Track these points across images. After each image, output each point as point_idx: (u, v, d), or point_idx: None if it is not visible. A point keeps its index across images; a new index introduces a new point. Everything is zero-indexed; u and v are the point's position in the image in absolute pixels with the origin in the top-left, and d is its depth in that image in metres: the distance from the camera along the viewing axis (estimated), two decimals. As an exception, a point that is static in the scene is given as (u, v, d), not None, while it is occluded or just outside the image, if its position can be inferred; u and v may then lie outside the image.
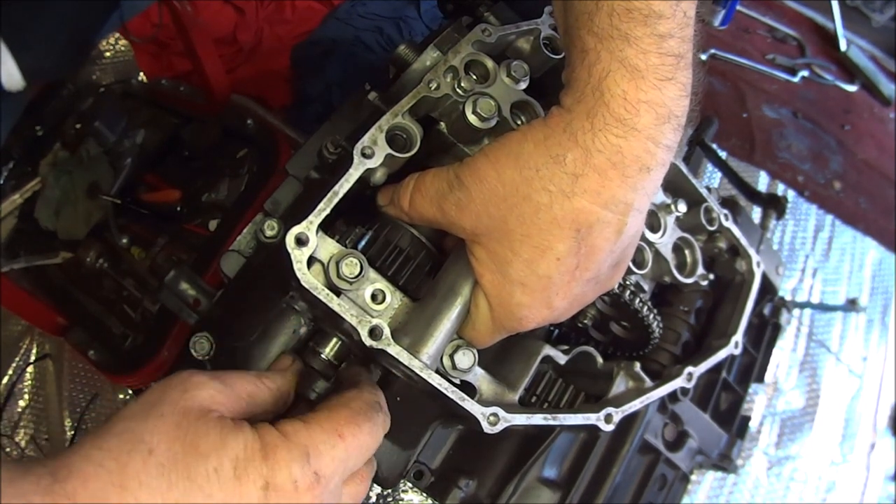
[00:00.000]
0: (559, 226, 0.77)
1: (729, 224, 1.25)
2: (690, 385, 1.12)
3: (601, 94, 0.74)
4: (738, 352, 1.21)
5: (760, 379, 1.53)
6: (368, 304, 0.87)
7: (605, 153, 0.75)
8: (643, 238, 1.11)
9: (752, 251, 1.28)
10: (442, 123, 0.96)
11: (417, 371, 0.85)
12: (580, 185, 0.75)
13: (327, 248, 0.87)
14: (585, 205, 0.76)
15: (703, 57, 2.49)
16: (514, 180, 0.78)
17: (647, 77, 0.73)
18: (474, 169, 0.81)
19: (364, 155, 0.88)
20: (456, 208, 0.82)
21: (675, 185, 1.21)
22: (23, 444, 1.70)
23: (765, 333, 1.55)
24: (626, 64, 0.72)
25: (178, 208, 1.69)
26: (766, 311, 1.55)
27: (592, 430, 1.00)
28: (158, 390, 0.67)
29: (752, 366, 1.51)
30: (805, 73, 2.67)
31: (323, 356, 0.91)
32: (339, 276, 0.85)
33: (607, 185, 0.76)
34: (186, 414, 0.64)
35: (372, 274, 0.88)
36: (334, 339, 0.92)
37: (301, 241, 0.84)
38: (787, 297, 2.22)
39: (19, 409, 1.73)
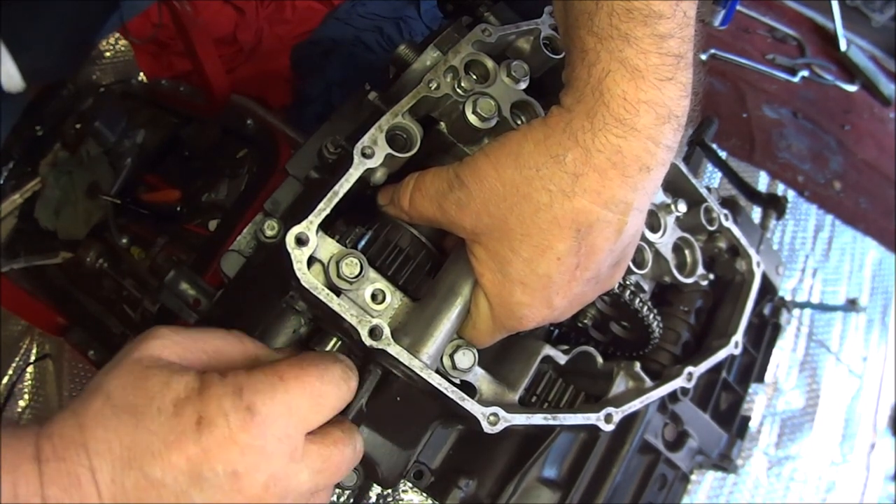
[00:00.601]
0: (559, 225, 0.77)
1: (729, 224, 1.25)
2: (690, 385, 1.12)
3: (601, 94, 0.74)
4: (738, 352, 1.21)
5: (760, 379, 1.52)
6: (368, 303, 0.87)
7: (605, 153, 0.75)
8: (643, 238, 1.11)
9: (752, 251, 1.28)
10: (442, 123, 0.96)
11: (417, 371, 0.85)
12: (580, 184, 0.76)
13: (327, 247, 0.87)
14: (585, 204, 0.76)
15: (703, 57, 2.50)
16: (514, 180, 0.78)
17: (647, 77, 0.73)
18: (474, 168, 0.81)
19: (364, 155, 0.88)
20: (456, 208, 0.82)
21: (675, 185, 1.21)
22: (23, 444, 1.70)
23: (765, 333, 1.55)
24: (626, 64, 0.73)
25: (178, 208, 1.69)
26: (766, 311, 1.55)
27: (592, 430, 1.00)
28: (126, 346, 0.73)
29: (752, 366, 1.51)
30: (805, 73, 2.67)
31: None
32: (339, 275, 0.85)
33: (607, 185, 0.76)
34: (139, 361, 0.70)
35: (372, 274, 0.88)
36: (333, 340, 0.92)
37: (301, 241, 0.84)
38: (787, 297, 2.22)
39: (19, 409, 1.73)
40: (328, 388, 0.74)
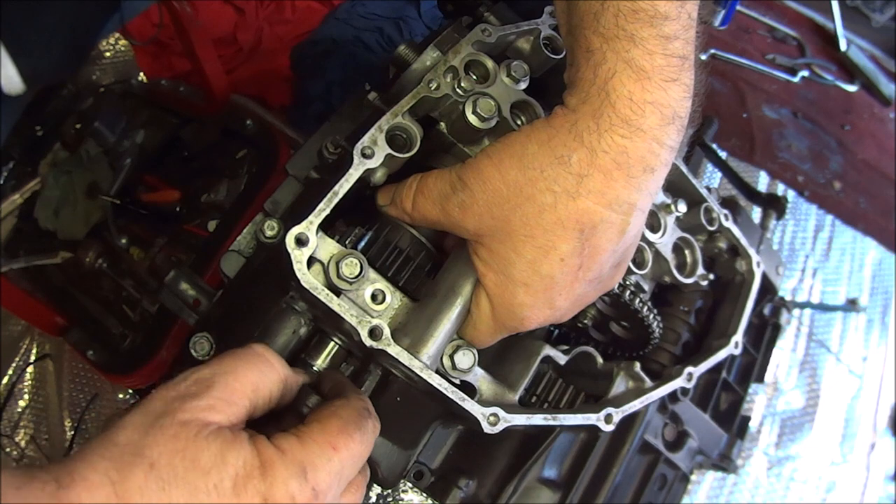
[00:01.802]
0: (563, 226, 0.77)
1: (729, 224, 1.25)
2: (690, 385, 1.12)
3: (607, 95, 0.74)
4: (738, 352, 1.21)
5: (760, 379, 1.52)
6: (368, 304, 0.87)
7: (610, 154, 0.75)
8: (643, 238, 1.11)
9: (752, 251, 1.28)
10: (442, 123, 0.96)
11: (417, 371, 0.85)
12: (585, 185, 0.75)
13: (327, 248, 0.87)
14: (590, 205, 0.76)
15: (704, 57, 2.49)
16: (518, 181, 0.78)
17: (653, 78, 0.73)
18: (477, 170, 0.81)
19: (364, 155, 0.88)
20: (459, 209, 0.82)
21: (675, 185, 1.21)
22: (23, 444, 1.70)
23: (765, 333, 1.55)
24: (632, 65, 0.73)
25: (178, 209, 1.69)
26: (766, 311, 1.55)
27: (592, 430, 1.00)
28: (159, 399, 0.67)
29: (752, 366, 1.51)
30: (805, 73, 2.67)
31: (315, 368, 0.90)
32: (339, 276, 0.85)
33: (612, 186, 0.76)
34: (185, 426, 0.64)
35: (372, 274, 0.88)
36: (326, 350, 0.91)
37: (301, 242, 0.84)
38: (787, 297, 2.22)
39: (19, 409, 1.73)
40: (366, 449, 0.74)
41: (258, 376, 0.72)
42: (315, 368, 0.91)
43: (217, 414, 0.66)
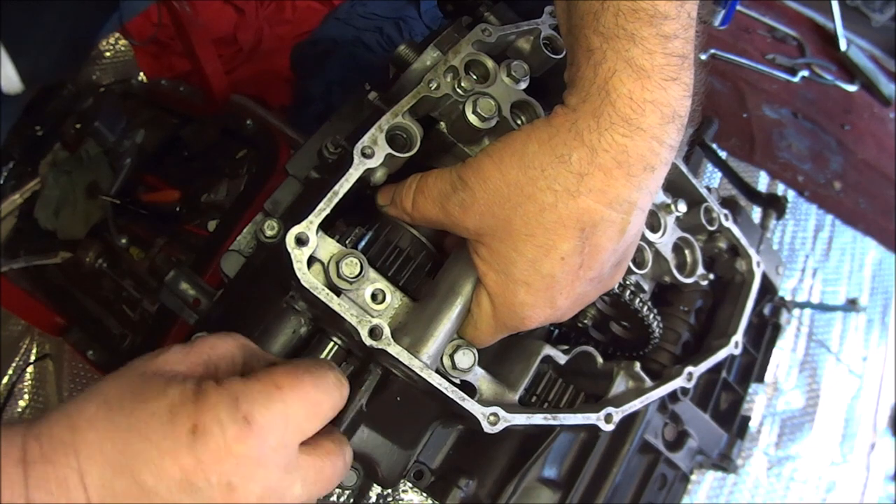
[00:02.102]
0: (564, 225, 0.77)
1: (729, 224, 1.25)
2: (690, 385, 1.12)
3: (607, 94, 0.74)
4: (738, 352, 1.21)
5: (760, 379, 1.52)
6: (368, 303, 0.87)
7: (610, 152, 0.75)
8: (643, 238, 1.11)
9: (752, 251, 1.28)
10: (442, 123, 0.96)
11: (417, 371, 0.85)
12: (585, 184, 0.76)
13: (327, 247, 0.87)
14: (590, 204, 0.76)
15: (703, 57, 2.49)
16: (519, 180, 0.78)
17: (653, 77, 0.73)
18: (477, 169, 0.81)
19: (364, 155, 0.88)
20: (459, 209, 0.82)
21: (675, 185, 1.21)
22: (22, 444, 1.69)
23: (765, 333, 1.55)
24: (632, 64, 0.73)
25: (178, 209, 1.69)
26: (766, 311, 1.55)
27: (592, 430, 1.00)
28: (125, 366, 0.71)
29: (752, 366, 1.51)
30: (805, 73, 2.67)
31: None
32: (339, 275, 0.85)
33: (612, 185, 0.76)
34: (143, 374, 0.68)
35: (372, 274, 0.88)
36: (325, 352, 0.91)
37: (301, 241, 0.84)
38: (787, 297, 2.22)
39: (19, 409, 1.73)
40: (323, 396, 0.71)
41: (215, 338, 0.75)
42: None
43: (171, 362, 0.70)
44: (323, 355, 0.92)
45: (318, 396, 0.70)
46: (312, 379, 0.70)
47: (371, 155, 0.88)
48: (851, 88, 2.74)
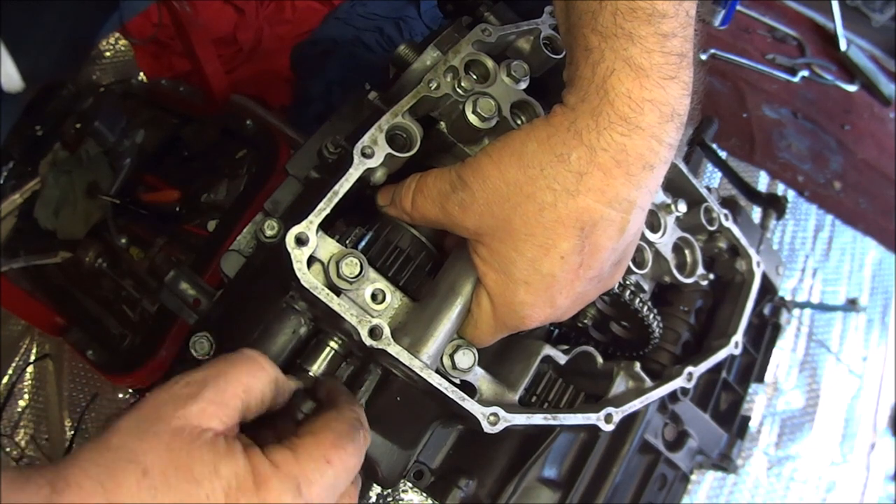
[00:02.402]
0: (563, 224, 0.77)
1: (729, 224, 1.25)
2: (690, 385, 1.12)
3: (606, 93, 0.74)
4: (738, 352, 1.21)
5: (760, 379, 1.52)
6: (368, 303, 0.87)
7: (609, 151, 0.75)
8: (643, 238, 1.11)
9: (752, 251, 1.28)
10: (442, 123, 0.96)
11: (417, 371, 0.85)
12: (585, 183, 0.76)
13: (327, 247, 0.87)
14: (590, 203, 0.76)
15: (703, 57, 2.49)
16: (518, 179, 0.78)
17: (652, 76, 0.73)
18: (477, 169, 0.81)
19: (364, 155, 0.88)
20: (459, 208, 0.82)
21: (675, 185, 1.21)
22: (23, 444, 1.70)
23: (765, 333, 1.55)
24: (630, 63, 0.73)
25: (178, 209, 1.69)
26: (766, 311, 1.55)
27: (592, 430, 1.00)
28: (152, 403, 0.66)
29: (752, 366, 1.51)
30: (805, 73, 2.67)
31: (311, 373, 0.90)
32: (339, 275, 0.85)
33: (612, 184, 0.76)
34: (179, 433, 0.64)
35: (372, 274, 0.88)
36: (322, 355, 0.91)
37: (301, 241, 0.84)
38: (787, 297, 2.22)
39: (19, 409, 1.73)
40: (358, 460, 0.74)
41: (249, 377, 0.72)
42: (311, 374, 0.90)
43: (210, 419, 0.66)
44: (319, 360, 0.91)
45: (356, 463, 0.73)
46: (354, 448, 0.73)
47: (371, 155, 0.88)
48: (851, 88, 2.74)
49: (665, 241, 1.15)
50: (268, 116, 1.74)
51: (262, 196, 1.36)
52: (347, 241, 0.91)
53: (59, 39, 0.98)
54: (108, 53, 2.11)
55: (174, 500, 0.60)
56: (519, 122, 0.95)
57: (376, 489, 1.66)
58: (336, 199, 0.86)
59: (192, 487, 0.61)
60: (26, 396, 1.74)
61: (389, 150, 0.89)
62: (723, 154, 2.30)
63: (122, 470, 0.60)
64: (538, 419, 0.94)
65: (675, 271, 1.17)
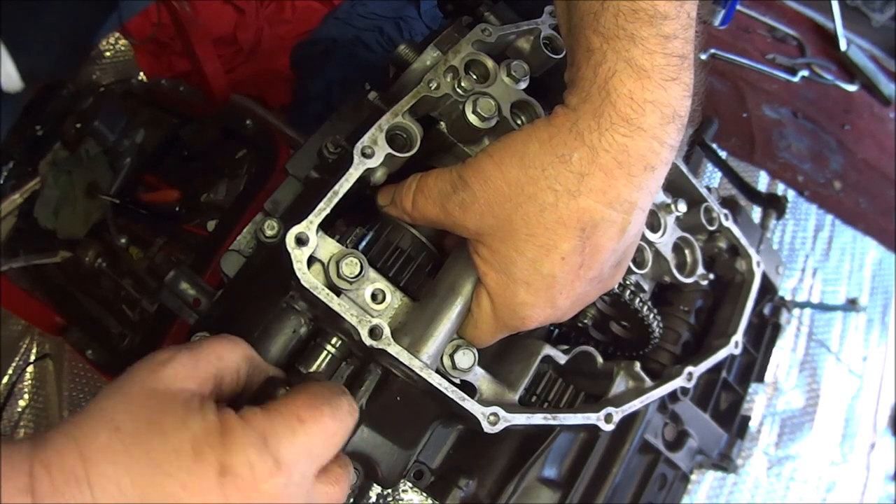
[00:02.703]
0: (564, 225, 0.77)
1: (729, 224, 1.25)
2: (690, 385, 1.12)
3: (607, 94, 0.74)
4: (738, 352, 1.21)
5: (760, 379, 1.52)
6: (368, 303, 0.87)
7: (611, 152, 0.75)
8: (643, 238, 1.11)
9: (752, 251, 1.28)
10: (442, 123, 0.96)
11: (417, 371, 0.85)
12: (586, 184, 0.76)
13: (327, 247, 0.87)
14: (591, 204, 0.76)
15: (703, 57, 2.49)
16: (519, 180, 0.78)
17: (653, 77, 0.73)
18: (478, 169, 0.81)
19: (364, 155, 0.88)
20: (460, 209, 0.82)
21: (675, 185, 1.21)
22: (22, 444, 1.69)
23: (765, 333, 1.55)
24: (632, 64, 0.73)
25: (177, 208, 1.69)
26: (766, 310, 1.55)
27: (592, 429, 1.00)
28: (129, 371, 0.68)
29: (752, 366, 1.51)
30: (805, 72, 2.67)
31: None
32: (339, 275, 0.85)
33: (613, 185, 0.76)
34: (153, 394, 0.65)
35: (372, 274, 0.88)
36: (318, 360, 0.91)
37: (301, 241, 0.84)
38: (787, 297, 2.22)
39: (19, 409, 1.73)
40: (339, 425, 0.72)
41: (222, 349, 0.73)
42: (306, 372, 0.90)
43: (184, 381, 0.67)
44: (315, 365, 0.91)
45: (335, 427, 0.71)
46: (331, 410, 0.71)
47: (371, 155, 0.88)
48: (851, 88, 2.74)
49: (665, 241, 1.15)
50: (268, 116, 1.74)
51: (262, 196, 1.36)
52: (347, 241, 0.91)
53: (58, 39, 0.98)
54: (108, 53, 2.11)
55: (143, 451, 0.61)
56: (519, 122, 0.95)
57: (376, 489, 1.66)
58: (336, 199, 0.86)
59: (160, 439, 0.62)
60: (26, 396, 1.74)
61: (389, 150, 0.89)
62: (723, 154, 2.30)
63: (94, 427, 0.62)
64: (538, 419, 0.94)
65: (675, 271, 1.17)
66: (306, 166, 1.04)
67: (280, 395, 0.75)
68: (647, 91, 0.73)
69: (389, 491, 1.67)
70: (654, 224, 1.14)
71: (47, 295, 1.69)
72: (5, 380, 1.74)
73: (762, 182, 2.39)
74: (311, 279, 0.84)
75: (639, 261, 1.11)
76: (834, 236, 2.42)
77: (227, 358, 0.73)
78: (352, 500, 1.63)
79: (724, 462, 1.40)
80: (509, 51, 1.05)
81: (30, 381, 1.75)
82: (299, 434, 0.67)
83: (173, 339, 1.48)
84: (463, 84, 0.92)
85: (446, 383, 0.87)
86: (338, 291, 0.85)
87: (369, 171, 0.89)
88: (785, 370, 2.15)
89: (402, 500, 1.68)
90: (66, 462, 0.60)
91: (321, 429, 0.69)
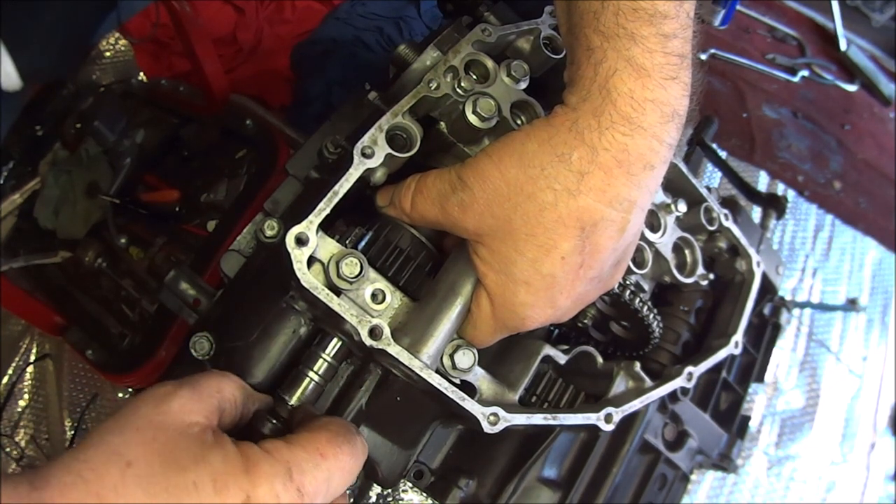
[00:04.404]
0: (564, 224, 0.77)
1: (729, 224, 1.25)
2: (690, 385, 1.12)
3: (608, 93, 0.74)
4: (738, 352, 1.21)
5: (760, 379, 1.52)
6: (368, 303, 0.87)
7: (611, 151, 0.75)
8: (643, 238, 1.11)
9: (752, 251, 1.28)
10: (442, 123, 0.96)
11: (417, 371, 0.85)
12: (586, 183, 0.76)
13: (327, 247, 0.87)
14: (590, 203, 0.76)
15: (703, 57, 2.50)
16: (519, 179, 0.78)
17: (653, 76, 0.73)
18: (477, 169, 0.81)
19: (364, 155, 0.88)
20: (459, 209, 0.82)
21: (675, 185, 1.21)
22: (23, 444, 1.70)
23: (765, 333, 1.55)
24: (632, 63, 0.73)
25: (177, 208, 1.69)
26: (766, 310, 1.55)
27: (592, 429, 1.00)
28: (132, 405, 0.67)
29: (752, 366, 1.51)
30: (805, 72, 2.67)
31: (290, 404, 0.88)
32: (339, 275, 0.85)
33: (612, 184, 0.76)
34: (163, 428, 0.64)
35: (372, 274, 0.88)
36: (303, 385, 0.90)
37: (301, 241, 0.84)
38: (787, 297, 2.22)
39: (19, 409, 1.73)
40: (354, 462, 0.75)
41: (219, 381, 0.75)
42: (290, 405, 0.89)
43: (192, 413, 0.67)
44: (298, 393, 0.90)
45: (351, 464, 0.74)
46: (350, 448, 0.74)
47: (371, 155, 0.88)
48: (851, 88, 2.74)
49: (665, 241, 1.15)
50: (268, 116, 1.74)
51: (262, 196, 1.35)
52: (347, 241, 0.91)
53: (57, 39, 0.98)
54: (108, 53, 2.11)
55: (161, 487, 0.59)
56: (519, 122, 0.95)
57: (376, 489, 1.66)
58: (336, 199, 0.86)
59: (178, 474, 0.60)
60: (26, 396, 1.74)
61: (389, 150, 0.89)
62: (723, 154, 2.30)
63: (104, 463, 0.59)
64: (538, 419, 0.94)
65: (675, 271, 1.17)
66: (306, 166, 1.04)
67: (268, 427, 0.79)
68: (647, 90, 0.74)
69: (389, 491, 1.67)
70: (653, 224, 1.14)
71: (47, 295, 1.69)
72: (5, 380, 1.74)
73: (762, 182, 2.39)
74: (311, 279, 0.84)
75: (639, 261, 1.11)
76: (834, 236, 2.42)
77: (225, 390, 0.74)
78: (352, 500, 1.63)
79: (724, 462, 1.40)
80: (509, 51, 1.05)
81: (30, 381, 1.75)
82: (321, 468, 0.70)
83: (173, 340, 1.48)
84: (463, 84, 0.92)
85: (446, 383, 0.87)
86: (338, 291, 0.85)
87: (369, 171, 0.89)
88: (785, 370, 2.15)
89: (402, 500, 1.68)
90: (73, 501, 0.57)
91: (340, 465, 0.72)
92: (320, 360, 0.90)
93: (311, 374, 0.90)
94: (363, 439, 0.79)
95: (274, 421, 0.81)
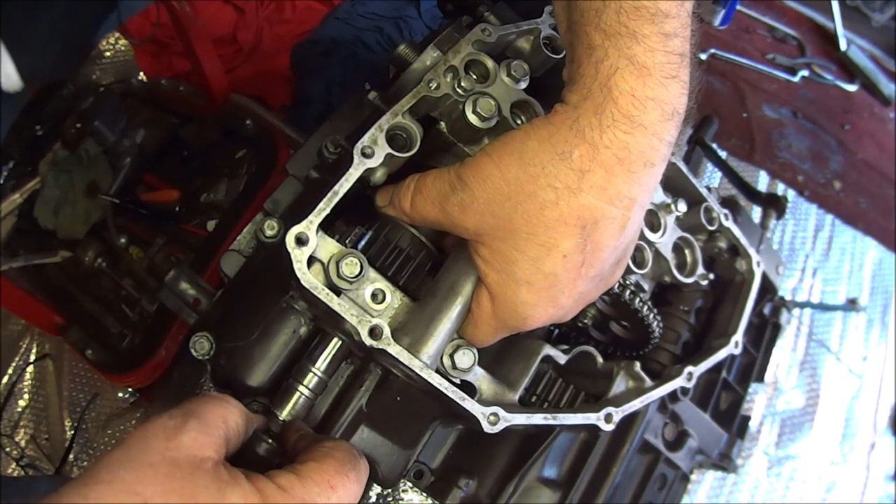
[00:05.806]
0: (565, 223, 0.77)
1: (729, 224, 1.25)
2: (690, 385, 1.12)
3: (609, 91, 0.74)
4: (738, 351, 1.21)
5: (760, 379, 1.52)
6: (368, 303, 0.87)
7: (612, 149, 0.75)
8: (643, 237, 1.11)
9: (752, 251, 1.28)
10: (442, 123, 0.96)
11: (417, 371, 0.85)
12: (587, 180, 0.76)
13: (327, 247, 0.87)
14: (591, 201, 0.76)
15: (703, 56, 2.50)
16: (519, 178, 0.78)
17: (654, 74, 0.74)
18: (477, 168, 0.81)
19: (364, 154, 0.88)
20: (459, 209, 0.82)
21: (675, 185, 1.21)
22: (23, 443, 1.70)
23: (765, 333, 1.55)
24: (633, 61, 0.73)
25: (177, 208, 1.69)
26: (766, 310, 1.55)
27: (592, 429, 1.00)
28: (140, 438, 0.66)
29: (752, 366, 1.51)
30: (805, 72, 2.67)
31: (282, 418, 0.89)
32: (339, 275, 0.85)
33: (613, 181, 0.76)
34: (177, 464, 0.64)
35: (372, 273, 0.88)
36: (293, 400, 0.90)
37: (301, 241, 0.84)
38: (787, 297, 2.22)
39: (19, 409, 1.73)
40: (360, 487, 0.77)
41: (222, 409, 0.75)
42: (281, 419, 0.89)
43: (203, 448, 0.67)
44: (288, 408, 0.91)
45: (358, 490, 0.77)
46: (356, 476, 0.77)
47: (371, 155, 0.88)
48: (851, 88, 2.74)
49: (665, 240, 1.15)
50: (268, 116, 1.74)
51: (262, 196, 1.36)
52: (347, 241, 0.91)
53: (57, 39, 0.98)
54: (108, 53, 2.11)
55: None
56: (519, 121, 0.95)
57: (376, 489, 1.66)
58: (336, 199, 0.86)
59: None
60: (26, 396, 1.74)
61: (389, 150, 0.89)
62: (723, 154, 2.30)
63: (115, 500, 0.58)
64: (538, 419, 0.94)
65: (675, 271, 1.17)
66: (306, 166, 1.04)
67: (263, 447, 0.82)
68: (648, 88, 0.74)
69: (389, 491, 1.67)
70: (654, 224, 1.14)
71: (47, 295, 1.69)
72: (5, 380, 1.74)
73: (762, 182, 2.39)
74: (311, 279, 0.84)
75: (639, 260, 1.11)
76: (834, 236, 2.42)
77: (230, 419, 0.75)
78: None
79: (724, 462, 1.40)
80: (509, 51, 1.05)
81: (30, 381, 1.75)
82: (333, 500, 0.72)
83: (173, 339, 1.48)
84: (463, 84, 0.92)
85: (446, 383, 0.87)
86: (338, 291, 0.85)
87: (369, 171, 0.89)
88: (785, 370, 2.15)
89: (402, 500, 1.68)
90: None
91: (348, 493, 0.75)
92: (310, 374, 0.91)
93: (301, 387, 0.90)
94: (365, 462, 0.81)
95: (270, 441, 0.83)
